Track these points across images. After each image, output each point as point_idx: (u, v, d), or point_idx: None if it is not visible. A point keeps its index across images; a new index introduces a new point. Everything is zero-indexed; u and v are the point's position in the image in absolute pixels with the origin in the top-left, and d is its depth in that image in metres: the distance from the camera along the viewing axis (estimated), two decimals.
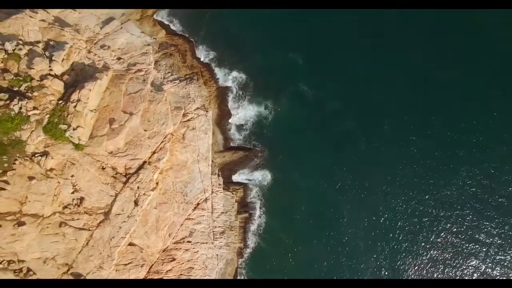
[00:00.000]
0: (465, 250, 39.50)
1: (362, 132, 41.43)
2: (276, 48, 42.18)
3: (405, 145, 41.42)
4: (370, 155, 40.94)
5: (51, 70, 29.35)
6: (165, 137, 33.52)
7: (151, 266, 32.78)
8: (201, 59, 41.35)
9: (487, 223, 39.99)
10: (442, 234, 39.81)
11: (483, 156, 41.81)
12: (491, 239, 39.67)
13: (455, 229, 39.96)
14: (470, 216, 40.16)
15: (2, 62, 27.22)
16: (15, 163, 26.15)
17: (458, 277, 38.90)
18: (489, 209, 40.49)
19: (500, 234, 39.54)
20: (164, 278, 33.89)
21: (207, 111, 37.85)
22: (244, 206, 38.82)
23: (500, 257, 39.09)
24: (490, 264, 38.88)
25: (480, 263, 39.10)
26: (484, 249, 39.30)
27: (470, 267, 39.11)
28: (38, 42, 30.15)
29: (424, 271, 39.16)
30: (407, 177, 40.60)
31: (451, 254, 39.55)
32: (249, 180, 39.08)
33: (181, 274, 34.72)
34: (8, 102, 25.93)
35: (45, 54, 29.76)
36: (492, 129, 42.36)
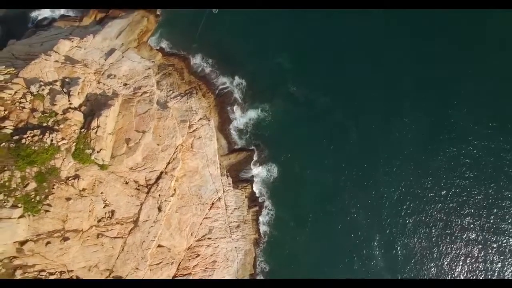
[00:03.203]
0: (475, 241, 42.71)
1: (351, 122, 45.22)
2: (262, 55, 46.14)
3: (393, 130, 45.27)
4: (362, 143, 44.76)
5: (70, 103, 33.45)
6: (176, 148, 37.63)
7: (179, 263, 36.98)
8: (197, 74, 45.49)
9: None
10: (447, 222, 43.14)
11: (469, 129, 46.04)
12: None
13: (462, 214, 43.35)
14: (478, 202, 43.66)
15: (30, 103, 31.37)
16: (53, 188, 30.19)
17: (465, 269, 41.87)
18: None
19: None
20: (192, 273, 38.19)
21: (209, 120, 41.96)
22: (254, 201, 42.93)
23: None
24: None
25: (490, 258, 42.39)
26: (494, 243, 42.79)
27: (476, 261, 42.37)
28: (56, 81, 34.25)
29: (425, 258, 42.47)
30: (398, 161, 44.54)
31: (457, 242, 42.84)
32: (255, 176, 43.25)
33: (206, 268, 38.87)
34: (41, 136, 30.05)
35: (63, 90, 33.87)
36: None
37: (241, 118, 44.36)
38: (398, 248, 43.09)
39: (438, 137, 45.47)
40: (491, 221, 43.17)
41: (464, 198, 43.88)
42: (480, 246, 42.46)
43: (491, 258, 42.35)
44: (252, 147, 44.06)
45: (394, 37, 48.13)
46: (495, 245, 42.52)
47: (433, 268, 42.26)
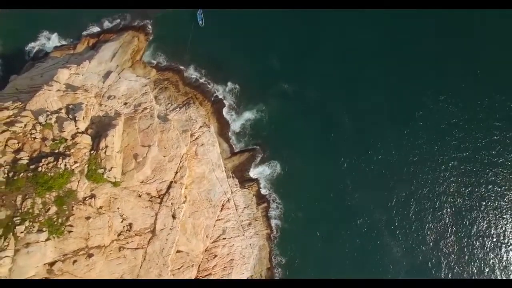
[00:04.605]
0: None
1: (345, 112, 47.30)
2: (252, 58, 48.02)
3: (385, 117, 47.44)
4: (357, 130, 46.90)
5: (78, 128, 35.33)
6: (181, 158, 39.50)
7: (199, 266, 38.91)
8: (192, 84, 47.26)
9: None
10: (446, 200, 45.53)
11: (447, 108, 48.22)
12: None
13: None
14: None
15: (40, 133, 33.26)
16: (73, 209, 32.03)
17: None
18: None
19: None
20: (212, 273, 40.06)
21: (209, 127, 43.89)
22: (261, 198, 44.87)
23: None
24: None
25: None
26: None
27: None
28: (61, 109, 36.13)
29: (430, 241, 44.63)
30: (394, 144, 46.87)
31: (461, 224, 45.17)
32: (259, 174, 45.20)
33: (225, 267, 40.79)
34: (55, 163, 31.91)
35: (69, 117, 35.75)
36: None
37: (239, 120, 46.30)
38: (404, 228, 45.22)
39: (431, 121, 47.56)
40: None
41: (467, 180, 46.24)
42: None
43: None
44: (253, 147, 45.96)
45: (377, 33, 50.18)
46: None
47: (439, 250, 44.56)
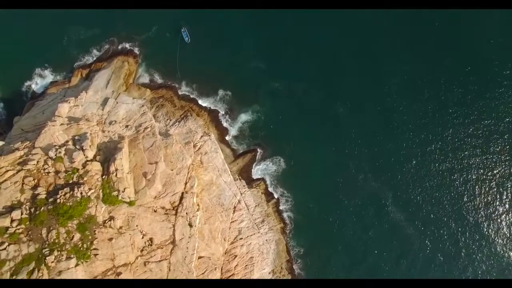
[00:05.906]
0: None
1: (336, 102, 49.13)
2: (239, 64, 49.57)
3: (374, 103, 49.69)
4: (351, 117, 48.83)
5: (86, 157, 37.04)
6: (188, 168, 41.19)
7: (222, 268, 40.67)
8: (186, 98, 48.85)
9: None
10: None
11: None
12: None
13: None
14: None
15: (52, 167, 35.00)
16: (95, 233, 33.81)
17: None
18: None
19: None
20: (235, 273, 41.80)
21: (209, 135, 45.55)
22: (270, 194, 46.60)
23: None
24: None
25: None
26: None
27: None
28: (67, 141, 37.83)
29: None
30: (382, 127, 49.11)
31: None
32: (264, 172, 46.93)
33: (246, 266, 42.57)
34: (71, 192, 33.66)
35: (76, 147, 37.50)
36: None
37: (236, 124, 48.07)
38: (410, 203, 47.26)
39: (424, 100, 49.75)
40: None
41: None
42: None
43: None
44: (255, 147, 47.65)
45: (367, 30, 52.34)
46: None
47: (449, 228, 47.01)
